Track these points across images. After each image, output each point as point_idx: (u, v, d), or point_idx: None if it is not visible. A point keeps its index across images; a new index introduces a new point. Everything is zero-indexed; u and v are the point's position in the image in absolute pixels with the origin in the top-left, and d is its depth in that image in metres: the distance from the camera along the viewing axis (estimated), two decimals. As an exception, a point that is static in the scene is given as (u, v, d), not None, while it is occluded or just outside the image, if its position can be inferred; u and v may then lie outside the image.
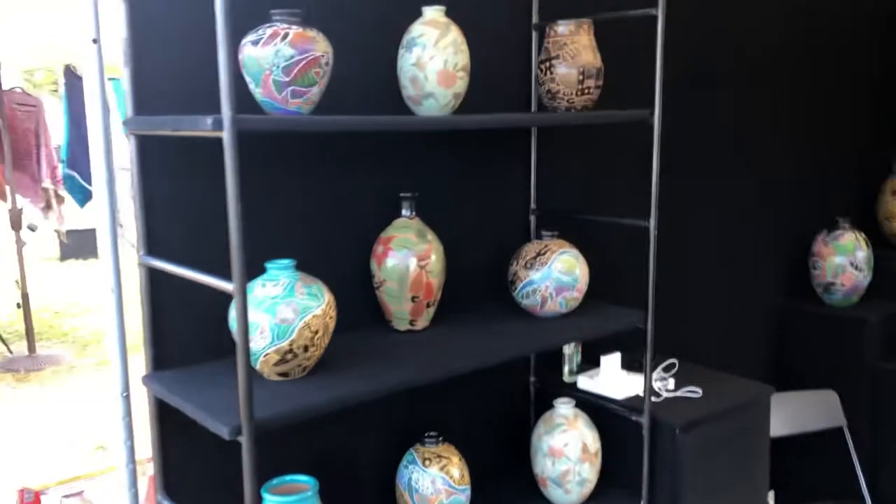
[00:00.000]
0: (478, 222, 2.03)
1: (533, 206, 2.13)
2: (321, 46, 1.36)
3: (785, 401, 2.66)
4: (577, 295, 1.88)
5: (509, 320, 1.88)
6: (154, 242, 1.51)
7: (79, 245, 7.31)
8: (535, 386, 2.21)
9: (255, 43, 1.34)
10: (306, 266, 1.61)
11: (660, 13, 1.80)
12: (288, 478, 1.47)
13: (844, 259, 2.78)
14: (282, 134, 1.60)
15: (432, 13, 1.60)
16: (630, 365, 2.18)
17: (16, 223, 4.85)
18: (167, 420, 1.53)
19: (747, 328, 2.96)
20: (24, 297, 5.02)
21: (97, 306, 5.33)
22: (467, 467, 1.81)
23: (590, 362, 2.21)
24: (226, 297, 1.27)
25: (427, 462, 1.75)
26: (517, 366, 2.17)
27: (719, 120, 2.69)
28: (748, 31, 2.73)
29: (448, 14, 1.62)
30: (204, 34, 1.30)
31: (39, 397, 4.71)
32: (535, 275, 1.85)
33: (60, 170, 4.98)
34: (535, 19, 2.05)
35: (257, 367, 1.43)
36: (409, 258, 1.70)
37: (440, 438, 1.78)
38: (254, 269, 1.42)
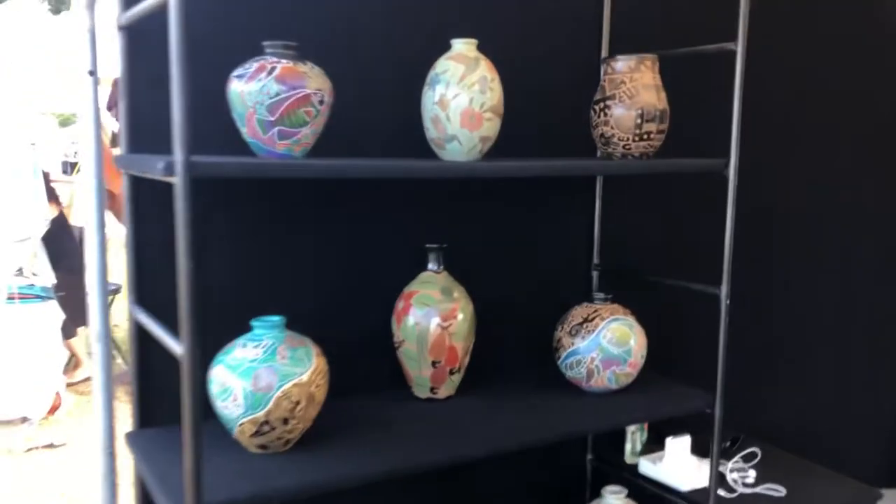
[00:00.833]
0: (525, 278, 1.81)
1: (596, 260, 1.89)
2: (314, 83, 1.21)
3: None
4: (629, 370, 1.62)
5: (549, 394, 1.65)
6: (144, 291, 1.40)
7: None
8: (591, 464, 1.96)
9: (241, 77, 1.21)
10: (321, 321, 1.47)
11: (739, 48, 1.54)
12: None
13: None
14: (286, 178, 1.46)
15: (460, 46, 1.42)
16: (704, 449, 1.88)
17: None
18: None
19: (858, 412, 2.55)
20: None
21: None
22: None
23: (658, 441, 1.93)
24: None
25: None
26: (572, 441, 1.93)
27: (815, 171, 2.34)
28: (848, 68, 2.38)
29: (505, 46, 1.44)
30: (203, 68, 1.20)
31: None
32: (580, 343, 1.61)
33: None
34: (603, 53, 1.83)
35: (234, 435, 1.28)
36: (430, 317, 1.52)
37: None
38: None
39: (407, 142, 1.53)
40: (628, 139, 1.54)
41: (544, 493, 1.93)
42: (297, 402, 1.26)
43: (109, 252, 1.43)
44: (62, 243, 4.05)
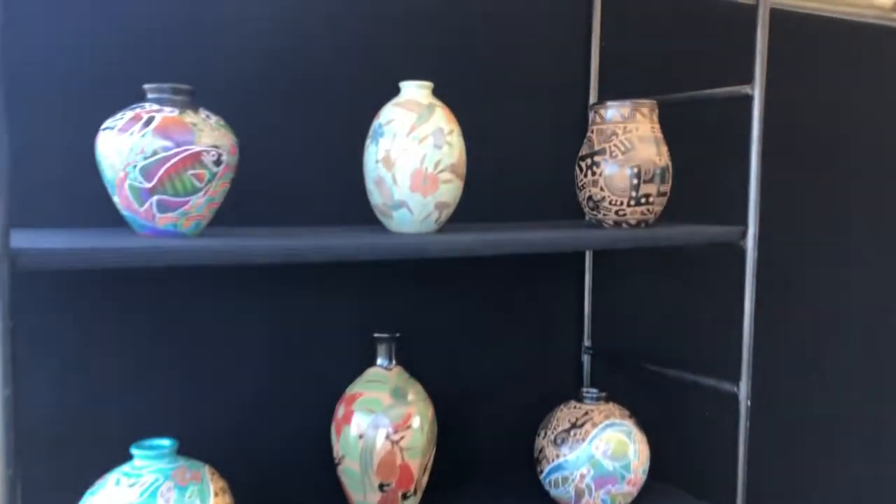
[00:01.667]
0: (499, 370, 1.50)
1: (587, 342, 1.59)
2: (207, 137, 0.92)
3: None
4: (628, 489, 1.31)
5: (527, 519, 1.33)
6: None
7: None
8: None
9: (109, 131, 0.91)
10: (238, 435, 1.17)
11: (756, 92, 1.26)
12: None
13: None
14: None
15: (412, 90, 1.13)
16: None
17: None
18: None
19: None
20: None
21: None
22: None
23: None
24: None
25: None
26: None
27: (847, 241, 2.05)
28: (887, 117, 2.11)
29: (468, 90, 1.16)
30: (84, 118, 0.92)
31: None
32: (567, 455, 1.30)
33: None
34: (592, 98, 1.55)
35: None
36: (377, 428, 1.20)
37: None
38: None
39: (349, 208, 1.24)
40: (622, 203, 1.25)
41: None
42: (184, 563, 0.94)
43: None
44: None
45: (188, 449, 1.07)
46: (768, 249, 1.43)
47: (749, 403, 1.30)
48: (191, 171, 0.90)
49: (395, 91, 1.14)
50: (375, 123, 1.12)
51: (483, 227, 1.26)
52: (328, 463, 1.25)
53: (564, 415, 1.34)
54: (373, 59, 1.33)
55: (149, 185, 0.90)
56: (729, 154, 1.37)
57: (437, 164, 1.09)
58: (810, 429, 1.98)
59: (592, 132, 1.29)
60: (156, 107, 0.92)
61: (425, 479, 1.26)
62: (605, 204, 1.26)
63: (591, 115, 1.30)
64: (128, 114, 0.91)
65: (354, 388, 1.25)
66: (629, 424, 1.33)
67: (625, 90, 1.47)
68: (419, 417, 1.23)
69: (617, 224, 1.27)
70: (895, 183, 2.10)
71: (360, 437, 1.21)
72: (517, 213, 1.48)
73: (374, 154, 1.10)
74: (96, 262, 0.79)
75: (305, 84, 1.28)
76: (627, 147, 1.24)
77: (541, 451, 1.34)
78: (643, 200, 1.24)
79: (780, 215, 1.77)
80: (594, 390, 1.36)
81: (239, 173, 1.00)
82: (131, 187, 0.90)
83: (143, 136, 0.89)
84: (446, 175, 1.10)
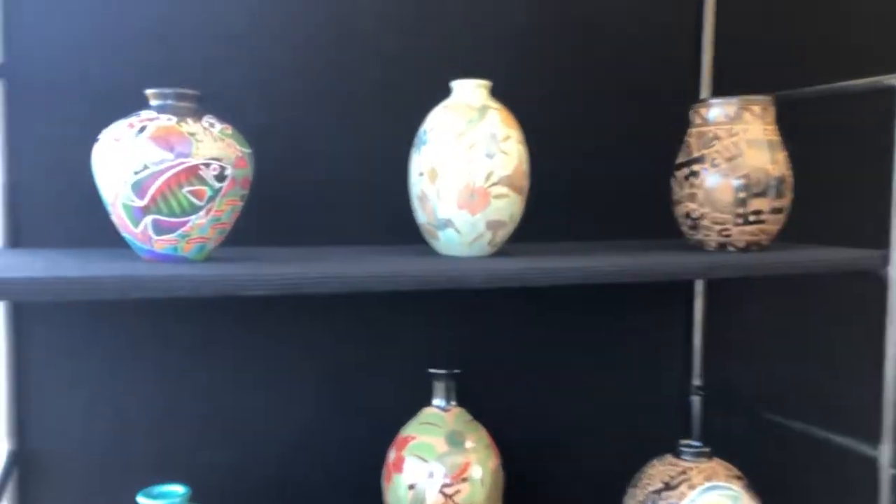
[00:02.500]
0: (580, 414, 1.30)
1: (697, 381, 1.36)
2: (208, 148, 0.80)
3: None
4: (733, 568, 1.08)
5: None
6: (23, 442, 1.02)
7: None
8: None
9: (103, 142, 0.81)
10: (280, 476, 1.07)
11: (903, 82, 1.01)
12: None
13: None
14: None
15: (464, 90, 0.97)
16: None
17: None
18: None
19: None
20: None
21: None
22: None
23: None
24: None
25: None
26: None
27: None
28: None
29: (533, 86, 0.99)
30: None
31: None
32: (658, 521, 1.09)
33: None
34: (703, 93, 1.33)
35: None
36: (431, 478, 1.05)
37: None
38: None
39: (395, 227, 1.10)
40: (726, 222, 1.03)
41: None
42: None
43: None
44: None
45: (212, 497, 0.96)
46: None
47: (894, 472, 1.04)
48: (187, 188, 0.79)
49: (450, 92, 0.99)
50: (420, 129, 0.97)
51: (552, 248, 1.08)
52: (378, 513, 1.11)
53: (658, 472, 1.13)
54: (426, 55, 1.18)
55: (142, 204, 0.79)
56: (866, 161, 1.12)
57: (488, 177, 0.92)
58: None
59: (691, 136, 1.07)
60: (152, 114, 0.81)
61: (487, 539, 1.10)
62: (706, 222, 1.04)
63: (690, 115, 1.09)
64: (122, 123, 0.81)
65: (408, 430, 1.10)
66: (737, 488, 1.10)
67: (742, 86, 1.25)
68: (479, 468, 1.07)
69: (721, 247, 1.05)
70: None
71: (411, 487, 1.06)
72: (601, 232, 1.28)
73: (416, 165, 0.95)
74: (58, 293, 0.69)
75: (346, 85, 1.15)
76: (733, 153, 1.02)
77: (628, 513, 1.13)
78: (753, 218, 1.02)
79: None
80: (696, 444, 1.14)
81: (265, 187, 0.88)
82: (124, 206, 0.80)
83: (133, 148, 0.78)
84: (500, 189, 0.93)
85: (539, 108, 1.00)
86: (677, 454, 1.14)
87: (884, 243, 1.03)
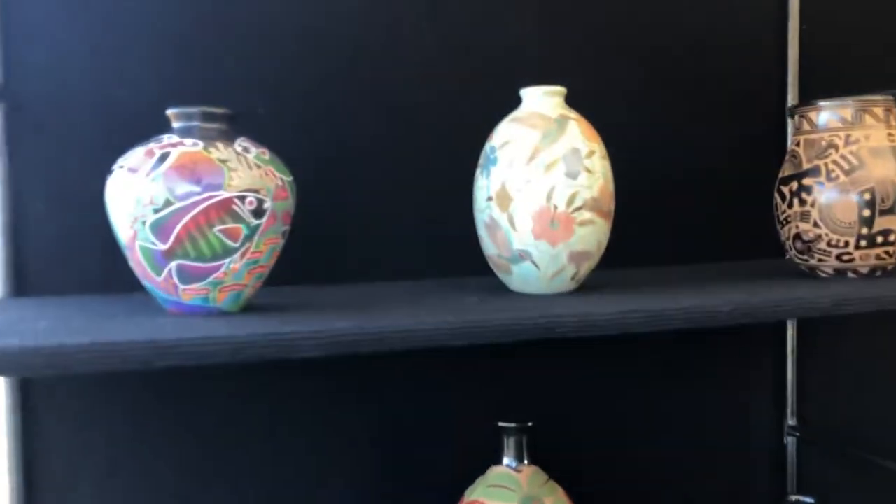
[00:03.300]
0: (668, 465, 1.15)
1: (791, 421, 1.20)
2: (242, 178, 0.66)
3: None
4: None
5: None
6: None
7: None
8: None
9: (117, 174, 0.68)
10: None
11: None
12: None
13: None
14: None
15: (536, 99, 0.83)
16: None
17: None
18: None
19: None
20: None
21: None
22: None
23: None
24: None
25: None
26: None
27: None
28: None
29: (612, 95, 0.85)
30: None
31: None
32: None
33: None
34: (790, 100, 1.18)
35: None
36: (503, 553, 0.90)
37: None
38: None
39: (459, 258, 0.96)
40: (847, 244, 0.87)
41: None
42: None
43: None
44: None
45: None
46: None
47: None
48: (219, 227, 0.65)
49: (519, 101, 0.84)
50: (487, 147, 0.83)
51: (635, 279, 0.93)
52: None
53: (765, 534, 0.98)
54: (491, 59, 1.04)
55: (164, 247, 0.65)
56: None
57: (570, 200, 0.78)
58: None
59: (798, 145, 0.92)
60: (175, 139, 0.68)
61: None
62: (822, 245, 0.89)
63: (794, 120, 0.94)
64: (139, 150, 0.68)
65: (474, 494, 0.95)
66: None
67: (838, 86, 1.10)
68: (560, 537, 0.92)
69: (839, 273, 0.90)
70: None
71: (481, 561, 0.91)
72: (684, 256, 1.13)
73: (484, 189, 0.81)
74: (63, 364, 0.55)
75: (395, 97, 1.01)
76: (853, 164, 0.87)
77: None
78: (880, 240, 0.86)
79: None
80: (806, 500, 0.98)
81: (303, 216, 0.75)
82: (143, 249, 0.66)
83: (153, 179, 0.65)
84: (585, 214, 0.78)
85: (608, 118, 0.86)
86: (787, 502, 0.99)
87: None
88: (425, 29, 1.02)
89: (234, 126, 0.71)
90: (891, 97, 0.90)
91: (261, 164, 0.69)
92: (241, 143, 0.69)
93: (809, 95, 1.16)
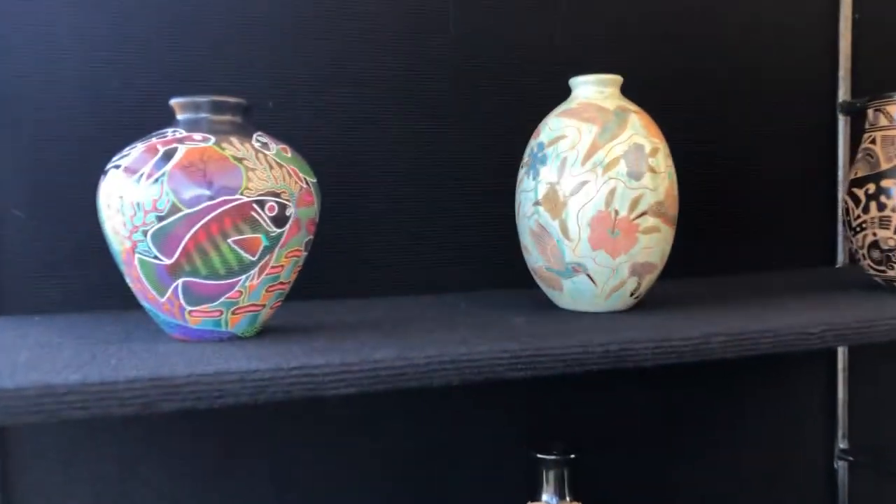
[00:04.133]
0: (716, 496, 1.05)
1: (843, 444, 1.11)
2: (261, 180, 0.56)
3: None
4: None
5: None
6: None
7: None
8: None
9: (111, 175, 0.57)
10: None
11: None
12: None
13: None
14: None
15: (588, 89, 0.73)
16: None
17: None
18: None
19: None
20: None
21: None
22: None
23: None
24: None
25: None
26: None
27: None
28: None
29: (670, 84, 0.76)
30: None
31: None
32: None
33: None
34: (841, 95, 1.09)
35: None
36: None
37: None
38: None
39: (499, 271, 0.86)
40: (933, 253, 0.78)
41: None
42: None
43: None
44: None
45: None
46: None
47: None
48: (234, 237, 0.55)
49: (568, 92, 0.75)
50: (533, 143, 0.73)
51: (697, 291, 0.83)
52: None
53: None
54: (539, 50, 0.94)
55: (168, 262, 0.55)
56: None
57: (633, 205, 0.68)
58: None
59: (874, 142, 0.83)
60: (181, 133, 0.57)
61: None
62: (901, 254, 0.79)
63: (869, 115, 0.84)
64: (139, 146, 0.57)
65: (510, 532, 0.86)
66: None
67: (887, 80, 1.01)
68: (608, 581, 0.82)
69: (920, 285, 0.81)
70: None
71: None
72: (737, 264, 1.04)
73: (530, 192, 0.71)
74: (48, 410, 0.45)
75: (427, 85, 0.91)
76: (939, 163, 0.78)
77: None
78: (971, 248, 0.77)
79: None
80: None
81: (324, 221, 0.64)
82: (143, 264, 0.56)
83: (155, 181, 0.54)
84: (650, 220, 0.68)
85: (663, 113, 0.77)
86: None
87: None
88: (461, 11, 0.92)
89: (250, 118, 0.61)
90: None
91: (282, 164, 0.58)
92: (258, 138, 0.59)
93: (861, 91, 1.08)
